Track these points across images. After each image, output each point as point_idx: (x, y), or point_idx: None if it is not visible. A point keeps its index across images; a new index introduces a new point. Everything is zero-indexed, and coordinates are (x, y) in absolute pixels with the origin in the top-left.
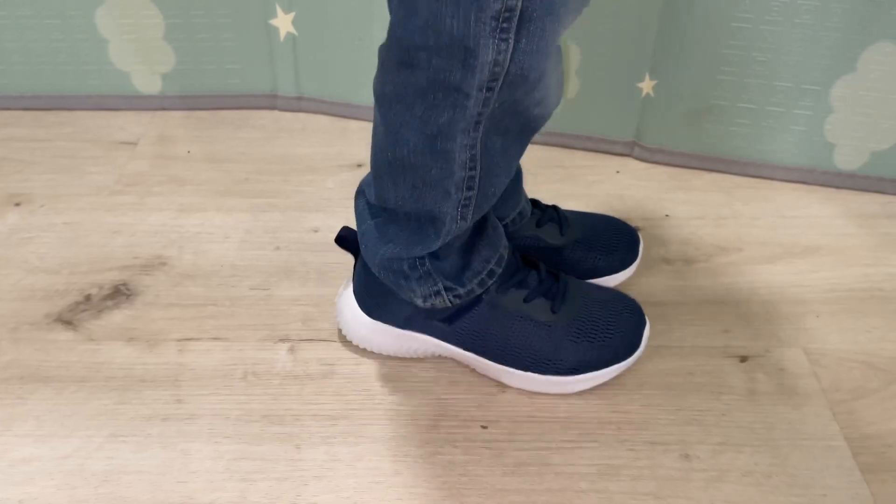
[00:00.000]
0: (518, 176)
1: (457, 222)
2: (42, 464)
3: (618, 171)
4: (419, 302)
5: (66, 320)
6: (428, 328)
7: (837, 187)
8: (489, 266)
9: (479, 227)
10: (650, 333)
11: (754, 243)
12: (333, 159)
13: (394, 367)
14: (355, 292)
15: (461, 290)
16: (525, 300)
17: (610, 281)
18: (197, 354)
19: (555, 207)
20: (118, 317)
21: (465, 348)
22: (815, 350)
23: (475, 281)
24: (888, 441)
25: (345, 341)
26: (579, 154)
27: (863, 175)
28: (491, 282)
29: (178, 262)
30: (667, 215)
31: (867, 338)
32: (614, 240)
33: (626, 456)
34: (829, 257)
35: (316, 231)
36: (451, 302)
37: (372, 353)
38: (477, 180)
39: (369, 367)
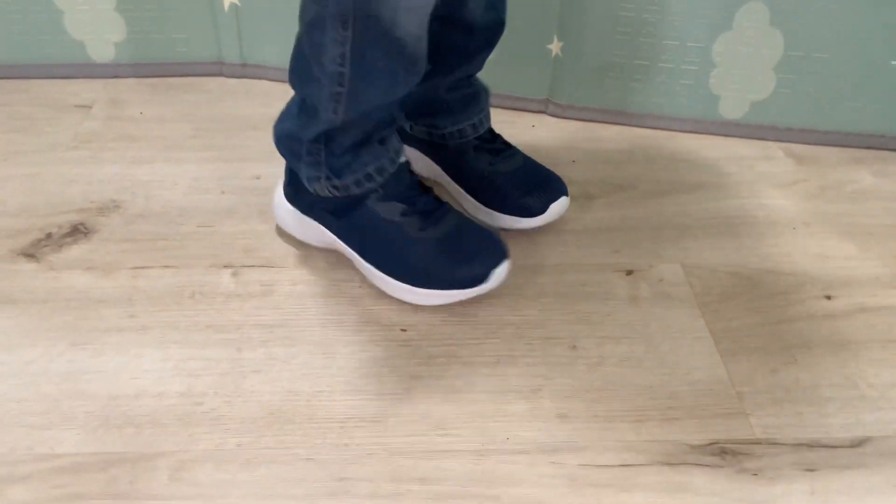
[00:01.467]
0: (466, 101)
1: (329, 114)
2: (9, 367)
3: (533, 126)
4: (305, 183)
5: (28, 254)
6: (322, 218)
7: (724, 135)
8: (367, 170)
9: (366, 136)
10: (507, 272)
11: (648, 182)
12: (275, 118)
13: (326, 286)
14: (284, 183)
15: (338, 183)
16: (402, 214)
17: (524, 223)
18: (149, 280)
19: (508, 145)
20: (77, 251)
21: (347, 243)
22: (691, 264)
23: (351, 179)
24: (745, 333)
25: (282, 266)
26: (499, 112)
27: (745, 123)
28: (369, 185)
29: (132, 205)
30: (573, 161)
31: (737, 255)
32: (535, 185)
33: (523, 349)
34: (710, 192)
35: (258, 178)
36: (329, 191)
37: (306, 275)
38: (346, 79)
39: (305, 287)
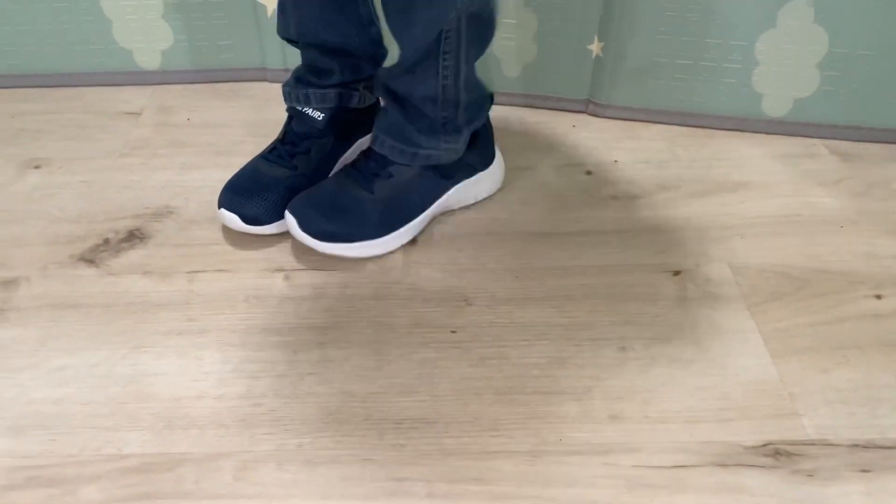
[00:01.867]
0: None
1: None
2: (75, 370)
3: (574, 126)
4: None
5: (88, 259)
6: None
7: (767, 133)
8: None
9: None
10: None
11: (691, 181)
12: None
13: (376, 289)
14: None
15: None
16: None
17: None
18: (204, 283)
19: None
20: (134, 256)
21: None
22: (738, 264)
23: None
24: (795, 333)
25: (332, 269)
26: (539, 112)
27: (789, 121)
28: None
29: (184, 211)
30: (615, 161)
31: (784, 253)
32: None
33: (572, 350)
34: (755, 191)
35: None
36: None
37: (356, 278)
38: None
39: (354, 290)
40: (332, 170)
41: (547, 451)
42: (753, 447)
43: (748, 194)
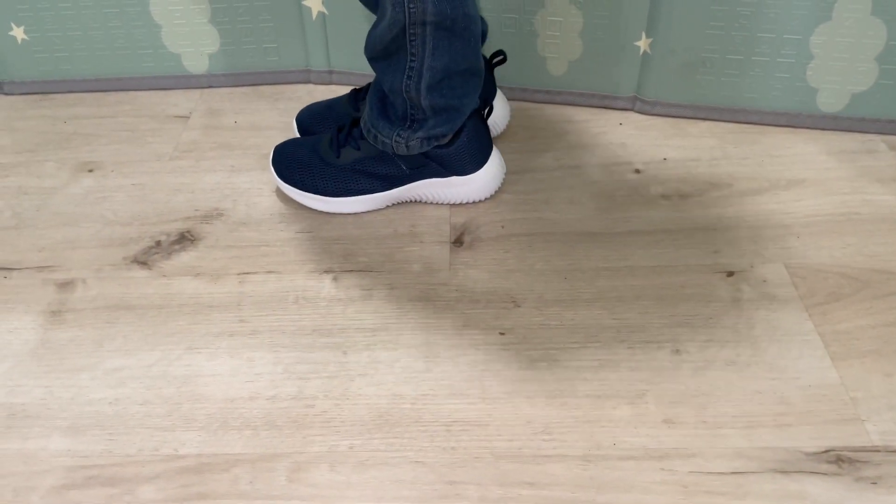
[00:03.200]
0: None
1: None
2: (131, 371)
3: (620, 124)
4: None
5: (141, 261)
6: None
7: (822, 129)
8: None
9: None
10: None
11: (743, 179)
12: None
13: (423, 291)
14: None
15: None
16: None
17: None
18: (255, 285)
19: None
20: (185, 257)
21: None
22: (794, 264)
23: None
24: (856, 335)
25: (379, 271)
26: (586, 110)
27: (845, 116)
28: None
29: (234, 213)
30: (665, 159)
31: (842, 253)
32: None
33: (624, 353)
34: (811, 188)
35: None
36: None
37: (403, 279)
38: None
39: (402, 291)
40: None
41: (600, 455)
42: (815, 453)
43: (803, 192)
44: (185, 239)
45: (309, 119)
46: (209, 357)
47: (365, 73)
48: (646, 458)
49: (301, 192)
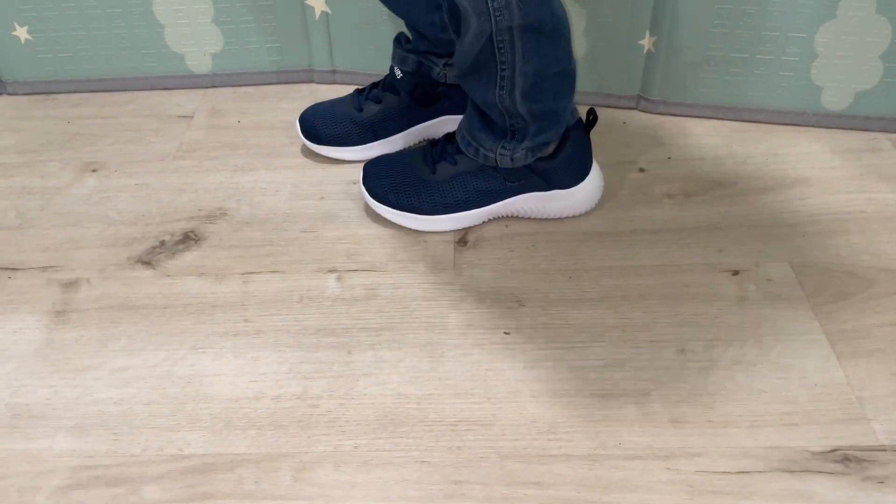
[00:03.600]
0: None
1: None
2: (136, 371)
3: (624, 122)
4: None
5: (145, 261)
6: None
7: (826, 127)
8: None
9: None
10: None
11: (748, 178)
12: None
13: (427, 290)
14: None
15: None
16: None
17: None
18: (259, 284)
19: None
20: (189, 257)
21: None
22: (800, 263)
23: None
24: (862, 334)
25: (383, 270)
26: None
27: (850, 115)
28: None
29: (237, 213)
30: (669, 157)
31: (848, 252)
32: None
33: (629, 352)
34: (816, 187)
35: (355, 183)
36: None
37: (407, 278)
38: None
39: (406, 291)
40: (404, 130)
41: (606, 454)
42: (821, 453)
43: (808, 191)
44: (188, 239)
45: (312, 119)
46: (214, 357)
47: (368, 72)
48: (651, 458)
49: (395, 210)
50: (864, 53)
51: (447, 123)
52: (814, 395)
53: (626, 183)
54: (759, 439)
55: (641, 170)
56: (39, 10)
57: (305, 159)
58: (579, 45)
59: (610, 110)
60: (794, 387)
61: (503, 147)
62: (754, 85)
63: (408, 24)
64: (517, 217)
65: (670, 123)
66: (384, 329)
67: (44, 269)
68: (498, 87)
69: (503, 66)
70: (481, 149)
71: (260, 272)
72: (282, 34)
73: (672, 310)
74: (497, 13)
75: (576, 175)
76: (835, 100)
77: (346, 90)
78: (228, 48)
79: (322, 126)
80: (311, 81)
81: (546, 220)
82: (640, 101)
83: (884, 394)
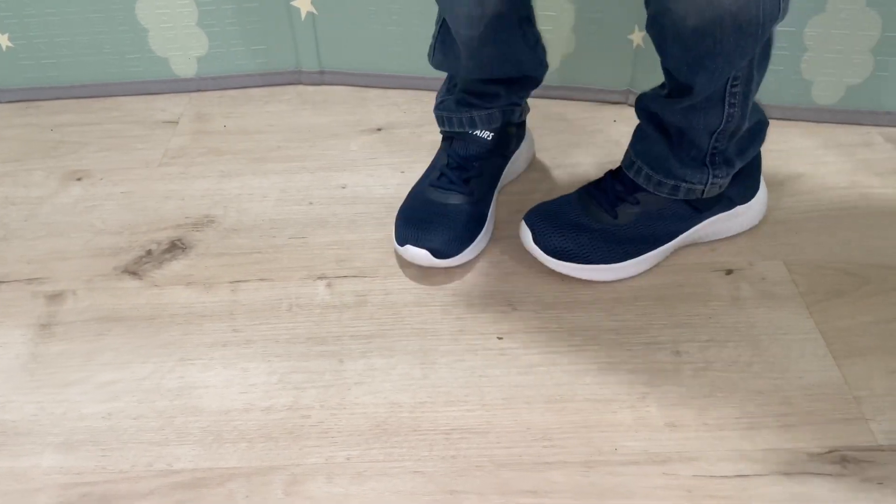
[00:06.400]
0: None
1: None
2: (124, 384)
3: (615, 120)
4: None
5: (131, 271)
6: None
7: (817, 121)
8: None
9: None
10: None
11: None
12: (355, 125)
13: (418, 296)
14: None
15: None
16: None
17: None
18: (247, 293)
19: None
20: (176, 266)
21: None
22: (794, 261)
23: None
24: (858, 332)
25: (374, 276)
26: (579, 105)
27: (841, 109)
28: None
29: (224, 220)
30: None
31: (842, 248)
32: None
33: (624, 355)
34: (808, 183)
35: (344, 187)
36: None
37: (398, 284)
38: None
39: (397, 297)
40: (497, 187)
41: (602, 461)
42: (819, 454)
43: (801, 187)
44: (175, 247)
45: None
46: (202, 368)
47: (357, 71)
48: (648, 463)
49: (581, 265)
50: (855, 47)
51: (518, 161)
52: (810, 395)
53: None
54: (756, 442)
55: None
56: (20, 17)
57: (293, 163)
58: (568, 42)
59: (600, 106)
60: (791, 387)
61: (714, 176)
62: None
63: (497, 82)
64: (693, 244)
65: None
66: (375, 336)
67: (29, 281)
68: (728, 107)
69: (735, 84)
70: (683, 184)
71: (248, 280)
72: (267, 36)
73: (666, 311)
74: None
75: (753, 185)
76: (825, 94)
77: (334, 91)
78: (213, 51)
79: (438, 237)
80: (299, 83)
81: None
82: (631, 97)
83: (881, 393)
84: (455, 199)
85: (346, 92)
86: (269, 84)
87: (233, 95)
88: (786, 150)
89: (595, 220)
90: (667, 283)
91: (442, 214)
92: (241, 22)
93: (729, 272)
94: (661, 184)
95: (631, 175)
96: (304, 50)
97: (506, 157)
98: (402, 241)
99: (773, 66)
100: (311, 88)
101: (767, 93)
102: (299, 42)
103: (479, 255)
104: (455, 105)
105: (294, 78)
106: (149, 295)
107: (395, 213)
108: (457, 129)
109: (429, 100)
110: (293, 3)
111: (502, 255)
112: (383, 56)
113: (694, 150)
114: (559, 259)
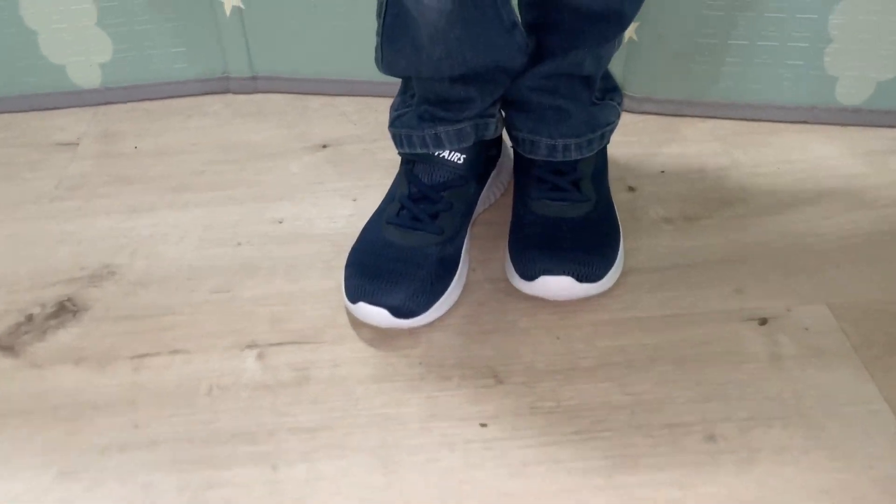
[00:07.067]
0: (551, 111)
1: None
2: None
3: None
4: None
5: (5, 346)
6: None
7: (842, 124)
8: None
9: None
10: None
11: (759, 193)
12: (296, 141)
13: (377, 367)
14: None
15: None
16: None
17: (512, 279)
18: (154, 371)
19: (578, 188)
20: (64, 337)
21: None
22: (839, 304)
23: None
24: None
25: (318, 341)
26: None
27: (869, 109)
28: None
29: (130, 270)
30: (662, 171)
31: (894, 284)
32: (553, 246)
33: (643, 444)
34: (841, 201)
35: (281, 222)
36: None
37: (349, 351)
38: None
39: (348, 370)
40: (471, 220)
41: None
42: None
43: (833, 206)
44: (64, 310)
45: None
46: (90, 485)
47: (297, 75)
48: None
49: (597, 284)
50: (886, 37)
51: (493, 186)
52: (887, 492)
53: (616, 206)
54: None
55: (631, 188)
56: None
57: (220, 192)
58: None
59: None
60: (861, 481)
61: (611, 100)
62: (756, 76)
63: (468, 80)
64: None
65: (658, 126)
66: (321, 428)
67: None
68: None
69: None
70: (607, 128)
71: (156, 354)
72: (186, 36)
73: (691, 377)
74: None
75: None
76: (851, 92)
77: (269, 100)
78: (121, 56)
79: (400, 292)
80: (228, 91)
81: None
82: (624, 100)
83: None
84: (419, 241)
85: (283, 101)
86: (191, 94)
87: (147, 109)
88: (810, 159)
89: (606, 228)
90: (688, 339)
91: (403, 261)
92: (153, 20)
93: (763, 322)
94: (591, 142)
95: (559, 155)
96: (232, 52)
97: (481, 184)
98: (353, 296)
99: (790, 60)
100: (241, 97)
101: (784, 92)
102: (226, 42)
103: (450, 308)
104: (417, 120)
105: (221, 86)
106: (26, 379)
107: (345, 255)
108: (419, 151)
109: (384, 108)
110: None
111: (480, 308)
112: (328, 57)
113: (589, 88)
114: (581, 281)
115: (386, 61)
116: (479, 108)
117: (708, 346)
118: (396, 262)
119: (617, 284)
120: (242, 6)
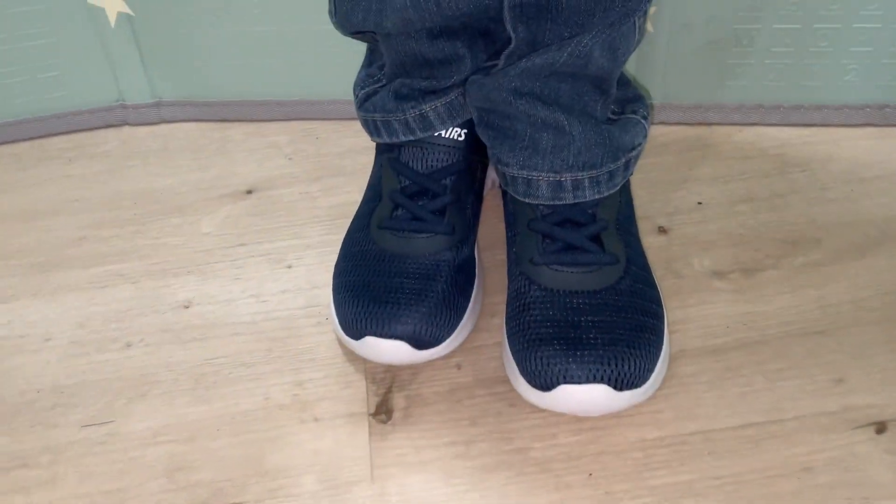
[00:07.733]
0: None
1: None
2: None
3: None
4: None
5: None
6: None
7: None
8: None
9: None
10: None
11: (835, 227)
12: (211, 187)
13: None
14: None
15: None
16: None
17: (519, 386)
18: None
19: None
20: None
21: None
22: None
23: None
24: None
25: (236, 498)
26: None
27: None
28: None
29: None
30: (699, 203)
31: None
32: (574, 336)
33: None
34: None
35: (187, 307)
36: None
37: None
38: None
39: None
40: (479, 214)
41: None
42: None
43: None
44: None
45: None
46: None
47: (213, 98)
48: None
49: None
50: None
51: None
52: None
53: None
54: None
55: (662, 229)
56: None
57: (105, 267)
58: None
59: None
60: None
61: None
62: (810, 72)
63: (453, 32)
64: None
65: (686, 139)
66: None
67: None
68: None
69: None
70: (632, 153)
71: None
72: (61, 55)
73: None
74: None
75: None
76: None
77: (177, 131)
78: None
79: (417, 315)
80: (125, 123)
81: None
82: (649, 112)
83: None
84: (428, 246)
85: (196, 132)
86: (74, 129)
87: (14, 153)
88: (888, 175)
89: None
90: (780, 463)
91: (412, 275)
92: (13, 37)
93: (881, 428)
94: (613, 175)
95: (573, 196)
96: (124, 71)
97: (486, 162)
98: (356, 330)
99: (856, 48)
100: (142, 130)
101: (845, 90)
102: (115, 60)
103: (430, 428)
104: (394, 100)
105: (118, 117)
106: None
107: (284, 346)
108: (402, 139)
109: (328, 135)
110: (92, 1)
111: (472, 429)
112: (251, 72)
113: (605, 101)
114: (619, 389)
115: (340, 13)
116: (470, 69)
117: (810, 475)
118: (403, 278)
119: (664, 378)
120: (131, 12)
